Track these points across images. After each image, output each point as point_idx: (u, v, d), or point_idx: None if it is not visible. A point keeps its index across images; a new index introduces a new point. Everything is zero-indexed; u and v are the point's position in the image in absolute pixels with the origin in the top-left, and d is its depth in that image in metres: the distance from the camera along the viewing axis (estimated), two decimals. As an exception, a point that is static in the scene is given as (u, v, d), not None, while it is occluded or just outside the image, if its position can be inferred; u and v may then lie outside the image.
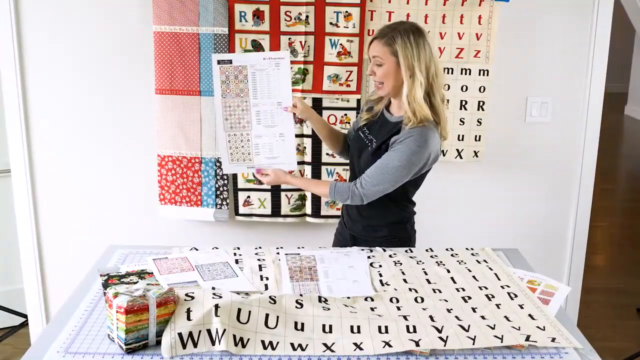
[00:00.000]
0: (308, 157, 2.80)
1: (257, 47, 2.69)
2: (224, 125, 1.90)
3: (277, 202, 2.85)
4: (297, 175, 2.43)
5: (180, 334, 1.45)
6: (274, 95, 1.92)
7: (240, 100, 1.83)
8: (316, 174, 2.81)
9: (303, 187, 2.26)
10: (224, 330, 1.46)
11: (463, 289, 1.79)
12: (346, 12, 2.66)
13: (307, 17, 2.66)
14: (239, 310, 1.52)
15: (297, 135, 2.76)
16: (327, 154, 2.78)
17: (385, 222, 2.16)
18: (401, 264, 1.97)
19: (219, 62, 1.86)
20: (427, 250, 2.10)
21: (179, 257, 1.95)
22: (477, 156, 2.85)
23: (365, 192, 2.00)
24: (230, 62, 1.84)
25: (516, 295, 1.75)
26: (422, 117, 1.95)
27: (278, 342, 1.49)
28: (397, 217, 2.16)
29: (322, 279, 1.83)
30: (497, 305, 1.69)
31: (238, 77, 1.82)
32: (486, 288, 1.80)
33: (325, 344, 1.49)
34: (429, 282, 1.85)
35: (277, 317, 1.54)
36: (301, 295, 1.67)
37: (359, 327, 1.55)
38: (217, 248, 2.04)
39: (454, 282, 1.85)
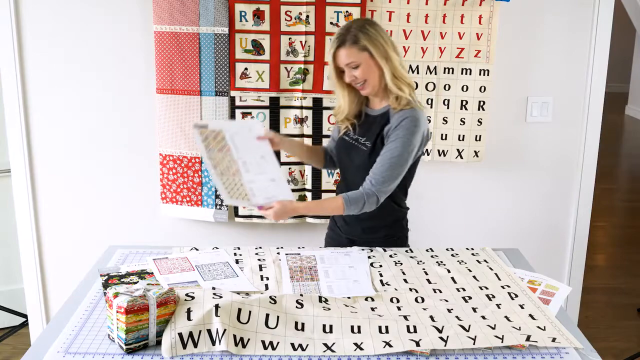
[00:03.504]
0: (308, 157, 2.80)
1: (257, 47, 2.69)
2: (215, 172, 1.92)
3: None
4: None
5: (180, 334, 1.45)
6: (254, 150, 1.94)
7: (224, 154, 1.88)
8: (316, 174, 2.81)
9: (314, 211, 2.16)
10: (224, 330, 1.46)
11: (463, 289, 1.79)
12: (346, 12, 2.66)
13: (307, 16, 2.66)
14: (239, 310, 1.52)
15: (296, 135, 2.76)
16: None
17: (384, 222, 2.15)
18: (401, 264, 1.97)
19: (195, 125, 1.92)
20: (427, 250, 2.10)
21: (179, 257, 1.94)
22: (477, 156, 2.85)
23: (379, 190, 1.96)
24: (206, 126, 1.90)
25: (517, 295, 1.75)
26: (409, 91, 1.98)
27: (278, 342, 1.49)
28: (395, 215, 2.16)
29: (323, 279, 1.83)
30: (498, 305, 1.69)
31: (217, 137, 1.89)
32: (487, 288, 1.80)
33: (325, 344, 1.49)
34: (429, 282, 1.85)
35: (278, 317, 1.54)
36: (301, 295, 1.67)
37: (359, 327, 1.55)
38: (217, 248, 2.04)
39: (455, 282, 1.84)
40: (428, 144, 2.81)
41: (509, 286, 1.82)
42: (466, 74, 2.76)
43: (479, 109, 2.79)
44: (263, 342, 1.48)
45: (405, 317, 1.61)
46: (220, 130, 1.84)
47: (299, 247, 2.08)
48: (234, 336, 1.47)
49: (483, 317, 1.62)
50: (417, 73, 2.75)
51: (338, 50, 1.97)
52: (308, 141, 2.77)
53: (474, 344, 1.48)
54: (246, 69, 2.71)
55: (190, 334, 1.46)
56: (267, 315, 1.54)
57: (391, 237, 2.16)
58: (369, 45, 1.94)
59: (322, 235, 2.37)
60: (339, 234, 2.25)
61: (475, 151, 2.84)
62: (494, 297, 1.74)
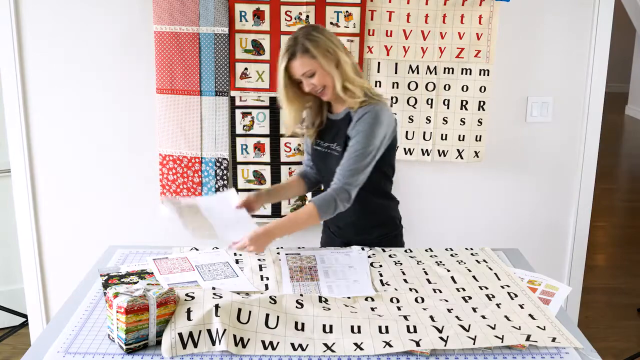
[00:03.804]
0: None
1: (257, 47, 2.69)
2: (184, 224, 1.96)
3: (277, 203, 2.85)
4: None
5: (180, 334, 1.45)
6: (230, 217, 1.95)
7: (201, 221, 1.93)
8: (316, 174, 2.81)
9: (288, 228, 1.95)
10: (224, 330, 1.46)
11: (463, 289, 1.79)
12: (346, 12, 2.66)
13: (307, 16, 2.66)
14: (239, 310, 1.52)
15: (294, 136, 2.75)
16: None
17: (376, 221, 2.16)
18: (401, 263, 1.97)
19: (166, 200, 2.02)
20: (427, 250, 2.10)
21: (179, 257, 1.94)
22: (477, 156, 2.85)
23: (347, 184, 1.94)
24: (179, 203, 1.98)
25: (516, 295, 1.75)
26: (364, 91, 1.99)
27: (278, 342, 1.49)
28: (386, 212, 2.16)
29: (323, 278, 1.83)
30: (498, 305, 1.69)
31: (191, 210, 1.97)
32: (486, 288, 1.80)
33: (325, 344, 1.49)
34: (429, 282, 1.85)
35: (278, 317, 1.54)
36: (301, 295, 1.67)
37: (359, 327, 1.55)
38: (217, 248, 2.04)
39: (454, 282, 1.84)
40: (428, 144, 2.82)
41: (508, 286, 1.82)
42: (466, 74, 2.76)
43: (479, 109, 2.79)
44: (263, 342, 1.48)
45: (405, 317, 1.61)
46: (194, 204, 1.90)
47: (299, 247, 2.08)
48: (234, 336, 1.47)
49: (483, 317, 1.62)
50: (417, 73, 2.75)
51: (290, 62, 1.95)
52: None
53: (474, 343, 1.48)
54: (246, 69, 2.72)
55: (190, 334, 1.46)
56: (267, 315, 1.54)
57: (385, 236, 2.17)
58: (316, 52, 1.93)
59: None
60: (333, 238, 2.26)
61: (475, 151, 2.84)
62: (493, 297, 1.74)
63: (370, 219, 2.14)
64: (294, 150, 2.80)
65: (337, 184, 1.96)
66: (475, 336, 1.51)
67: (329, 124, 2.12)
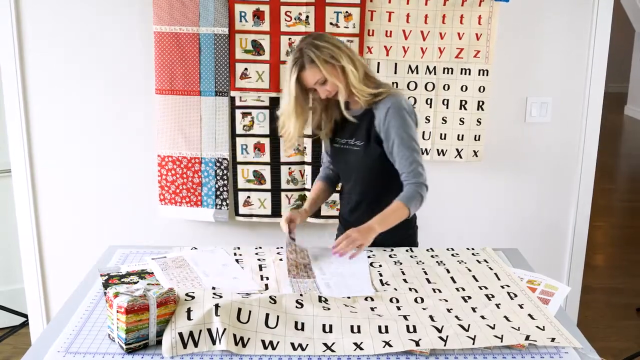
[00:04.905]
0: (308, 157, 2.80)
1: (257, 47, 2.70)
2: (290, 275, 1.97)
3: (277, 203, 2.85)
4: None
5: (180, 334, 1.45)
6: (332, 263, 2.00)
7: (303, 265, 1.96)
8: (316, 174, 2.80)
9: (388, 224, 2.00)
10: (225, 329, 1.46)
11: (463, 289, 1.80)
12: (346, 12, 2.66)
13: (307, 17, 2.66)
14: (239, 310, 1.52)
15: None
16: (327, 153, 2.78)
17: None
18: (401, 263, 1.97)
19: (292, 238, 2.05)
20: (427, 250, 2.11)
21: (179, 256, 1.95)
22: (476, 156, 2.85)
23: (421, 178, 2.02)
24: (294, 240, 2.04)
25: (516, 295, 1.76)
26: (378, 90, 2.02)
27: (278, 342, 1.49)
28: None
29: (320, 276, 1.84)
30: (497, 305, 1.69)
31: (301, 252, 2.02)
32: (486, 288, 1.80)
33: (325, 344, 1.49)
34: (429, 281, 1.85)
35: (278, 316, 1.54)
36: (301, 295, 1.67)
37: (359, 327, 1.55)
38: (216, 247, 2.04)
39: (454, 281, 1.85)
40: (427, 143, 2.82)
41: (508, 286, 1.82)
42: (465, 74, 2.76)
43: (478, 109, 2.80)
44: (263, 341, 1.49)
45: (404, 316, 1.62)
46: (304, 249, 2.00)
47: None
48: (234, 336, 1.47)
49: (482, 317, 1.62)
50: (417, 73, 2.76)
51: (301, 74, 1.98)
52: (308, 141, 2.77)
53: (473, 343, 1.49)
54: (246, 69, 2.72)
55: (191, 334, 1.46)
56: (267, 314, 1.54)
57: (400, 235, 2.15)
58: (320, 62, 1.95)
59: (322, 235, 2.38)
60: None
61: (474, 151, 2.84)
62: (493, 296, 1.75)
63: None
64: (294, 150, 2.81)
65: (415, 181, 2.01)
66: (475, 336, 1.51)
67: (346, 121, 2.12)
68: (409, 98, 2.78)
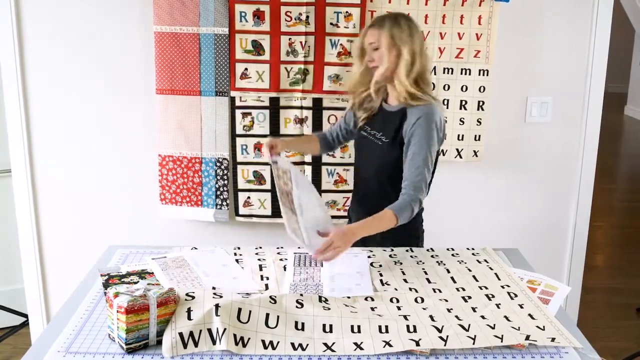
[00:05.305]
0: (308, 157, 2.80)
1: (257, 47, 2.70)
2: (282, 206, 2.03)
3: (277, 203, 2.85)
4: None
5: (181, 334, 1.45)
6: (310, 193, 2.03)
7: (286, 193, 1.99)
8: (316, 174, 2.81)
9: (370, 231, 1.97)
10: (225, 329, 1.46)
11: (463, 289, 1.80)
12: (346, 12, 2.66)
13: (307, 17, 2.66)
14: (240, 309, 1.52)
15: (297, 135, 2.77)
16: (327, 154, 2.78)
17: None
18: (401, 263, 1.97)
19: (273, 162, 2.08)
20: (427, 250, 2.11)
21: (179, 256, 1.95)
22: (476, 156, 2.85)
23: (420, 193, 2.01)
24: (276, 162, 2.07)
25: (516, 295, 1.76)
26: (419, 93, 2.03)
27: (278, 342, 1.49)
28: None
29: (323, 277, 1.84)
30: (497, 305, 1.69)
31: (281, 175, 2.03)
32: (486, 288, 1.80)
33: (325, 344, 1.49)
34: (429, 281, 1.85)
35: (278, 316, 1.54)
36: (301, 295, 1.67)
37: (359, 326, 1.55)
38: (216, 247, 2.04)
39: (454, 281, 1.85)
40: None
41: (508, 286, 1.82)
42: (466, 74, 2.76)
43: (478, 109, 2.80)
44: (263, 341, 1.49)
45: (405, 316, 1.62)
46: (288, 169, 1.97)
47: (298, 247, 2.08)
48: (234, 335, 1.47)
49: (483, 317, 1.62)
50: (417, 73, 2.76)
51: (369, 29, 2.08)
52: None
53: (473, 343, 1.49)
54: (246, 69, 2.72)
55: (191, 334, 1.46)
56: (267, 314, 1.54)
57: (403, 235, 2.16)
58: (387, 33, 2.03)
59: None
60: None
61: (474, 151, 2.84)
62: (493, 296, 1.75)
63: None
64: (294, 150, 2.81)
65: (412, 195, 2.00)
66: (475, 336, 1.51)
67: (380, 114, 2.17)
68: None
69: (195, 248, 2.04)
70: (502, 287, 1.81)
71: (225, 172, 2.81)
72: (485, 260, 2.01)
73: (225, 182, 2.81)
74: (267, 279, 1.83)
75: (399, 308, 1.67)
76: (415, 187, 2.00)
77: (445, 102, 2.79)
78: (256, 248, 2.08)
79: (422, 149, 2.00)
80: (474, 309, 1.67)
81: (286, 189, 1.97)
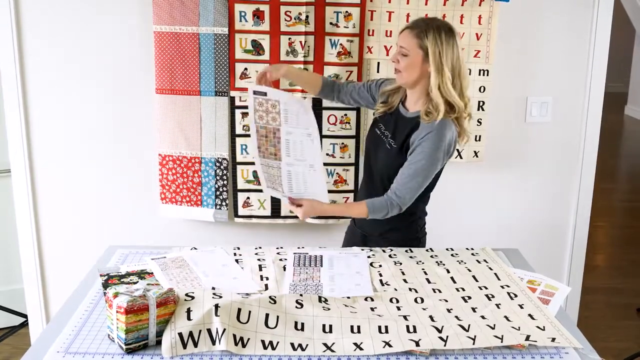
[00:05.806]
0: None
1: (257, 47, 2.69)
2: (257, 152, 1.99)
3: (276, 203, 2.85)
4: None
5: (180, 334, 1.45)
6: (302, 126, 1.98)
7: (272, 128, 1.93)
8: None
9: (339, 213, 2.22)
10: (224, 330, 1.46)
11: (463, 289, 1.80)
12: (346, 12, 2.66)
13: (307, 17, 2.66)
14: (239, 310, 1.52)
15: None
16: (327, 154, 2.78)
17: (398, 225, 2.15)
18: (401, 263, 1.97)
19: (255, 92, 1.98)
20: (427, 250, 2.11)
21: (179, 256, 1.95)
22: (477, 156, 2.85)
23: (401, 200, 2.00)
24: (265, 94, 1.96)
25: (516, 295, 1.76)
26: (443, 110, 1.98)
27: (278, 342, 1.49)
28: (409, 218, 2.16)
29: (322, 277, 1.84)
30: (497, 305, 1.69)
31: (270, 110, 1.94)
32: (486, 288, 1.80)
33: (325, 344, 1.49)
34: (429, 282, 1.85)
35: (277, 317, 1.54)
36: (301, 295, 1.67)
37: (359, 327, 1.55)
38: (216, 247, 2.04)
39: (454, 282, 1.85)
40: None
41: (508, 286, 1.82)
42: (466, 74, 2.76)
43: (478, 109, 2.80)
44: (263, 341, 1.48)
45: (404, 317, 1.61)
46: (278, 100, 1.87)
47: (298, 247, 2.08)
48: (234, 336, 1.47)
49: (482, 317, 1.62)
50: (417, 73, 2.75)
51: (406, 30, 2.02)
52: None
53: (473, 343, 1.49)
54: (246, 69, 2.72)
55: (190, 334, 1.46)
56: (267, 315, 1.54)
57: (403, 237, 2.17)
58: (429, 48, 1.96)
59: (322, 236, 2.38)
60: (355, 227, 2.30)
61: (474, 151, 2.84)
62: (493, 297, 1.75)
63: (393, 223, 2.13)
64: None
65: (394, 199, 2.01)
66: (475, 336, 1.51)
67: (397, 115, 2.14)
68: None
69: (195, 248, 2.04)
70: (502, 287, 1.81)
71: (225, 172, 2.81)
72: (485, 261, 2.01)
73: (225, 182, 2.81)
74: (267, 279, 1.83)
75: (398, 308, 1.67)
76: (400, 196, 2.00)
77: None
78: (256, 248, 2.08)
79: (422, 161, 1.99)
80: (473, 309, 1.67)
81: (274, 125, 1.89)
